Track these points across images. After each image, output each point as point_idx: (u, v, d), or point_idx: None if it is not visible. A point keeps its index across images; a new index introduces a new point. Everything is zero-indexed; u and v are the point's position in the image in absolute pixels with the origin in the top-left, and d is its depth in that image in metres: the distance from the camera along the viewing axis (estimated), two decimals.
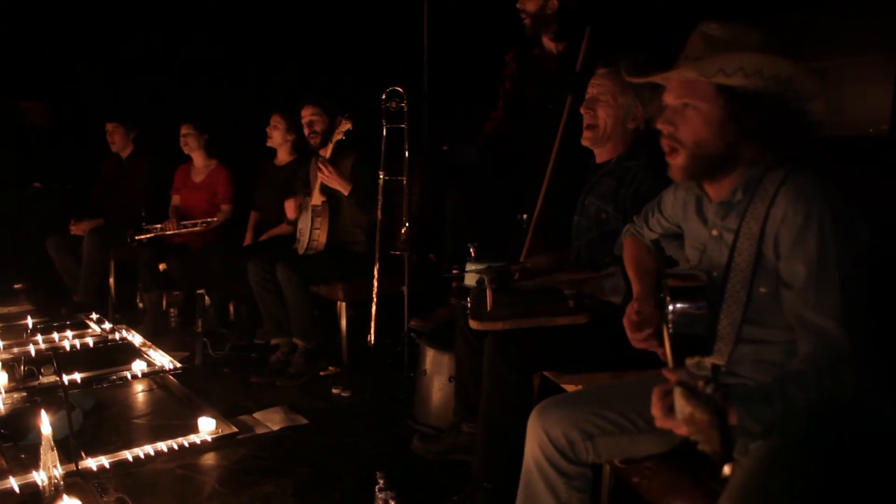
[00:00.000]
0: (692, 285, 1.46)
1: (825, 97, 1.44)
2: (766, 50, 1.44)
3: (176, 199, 4.89)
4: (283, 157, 4.48)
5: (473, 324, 2.18)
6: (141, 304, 4.84)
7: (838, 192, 1.43)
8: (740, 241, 1.51)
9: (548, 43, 3.25)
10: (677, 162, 1.56)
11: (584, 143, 2.44)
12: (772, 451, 1.35)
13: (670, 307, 1.42)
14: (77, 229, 4.93)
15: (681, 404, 1.14)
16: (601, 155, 2.47)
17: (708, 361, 1.41)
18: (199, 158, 4.82)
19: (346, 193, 3.83)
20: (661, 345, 1.51)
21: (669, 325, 1.42)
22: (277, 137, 4.38)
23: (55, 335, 3.79)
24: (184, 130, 4.72)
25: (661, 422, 1.25)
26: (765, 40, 1.47)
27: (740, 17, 1.52)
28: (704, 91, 1.50)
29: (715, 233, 1.61)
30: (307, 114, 3.98)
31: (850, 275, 1.38)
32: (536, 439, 1.71)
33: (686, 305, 1.42)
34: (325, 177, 3.82)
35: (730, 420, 1.02)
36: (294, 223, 4.16)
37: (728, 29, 1.51)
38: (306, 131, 4.01)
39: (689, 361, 1.15)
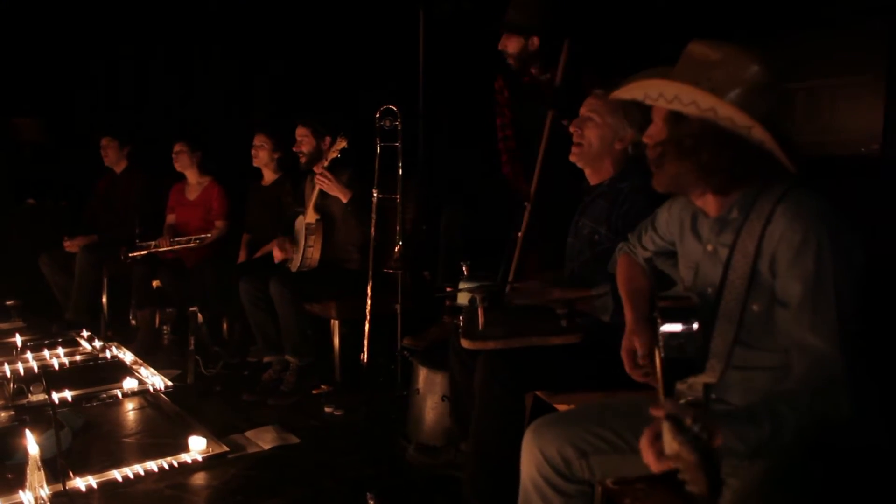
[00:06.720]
0: (683, 306, 1.45)
1: (760, 127, 1.39)
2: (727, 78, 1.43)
3: (171, 218, 4.89)
4: (268, 176, 4.53)
5: (465, 343, 2.17)
6: (133, 322, 4.81)
7: (837, 212, 1.41)
8: (735, 258, 1.49)
9: (536, 73, 3.28)
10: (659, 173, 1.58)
11: (572, 158, 2.46)
12: (762, 474, 1.33)
13: (661, 329, 1.41)
14: (71, 246, 4.90)
15: (668, 439, 1.12)
16: (593, 176, 2.48)
17: (699, 381, 1.40)
18: (192, 176, 4.83)
19: (345, 200, 3.81)
20: (655, 371, 1.50)
21: (661, 348, 1.41)
22: (264, 157, 4.42)
23: (45, 353, 3.76)
24: (176, 148, 4.74)
25: (655, 467, 1.22)
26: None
27: (734, 36, 1.51)
28: (660, 113, 1.53)
29: (710, 248, 1.59)
30: (297, 133, 4.00)
31: (846, 296, 1.36)
32: (532, 459, 1.69)
33: (677, 326, 1.40)
34: (325, 185, 3.81)
35: (717, 459, 1.01)
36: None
37: (713, 48, 1.48)
38: (295, 149, 4.03)
39: (680, 386, 1.13)
